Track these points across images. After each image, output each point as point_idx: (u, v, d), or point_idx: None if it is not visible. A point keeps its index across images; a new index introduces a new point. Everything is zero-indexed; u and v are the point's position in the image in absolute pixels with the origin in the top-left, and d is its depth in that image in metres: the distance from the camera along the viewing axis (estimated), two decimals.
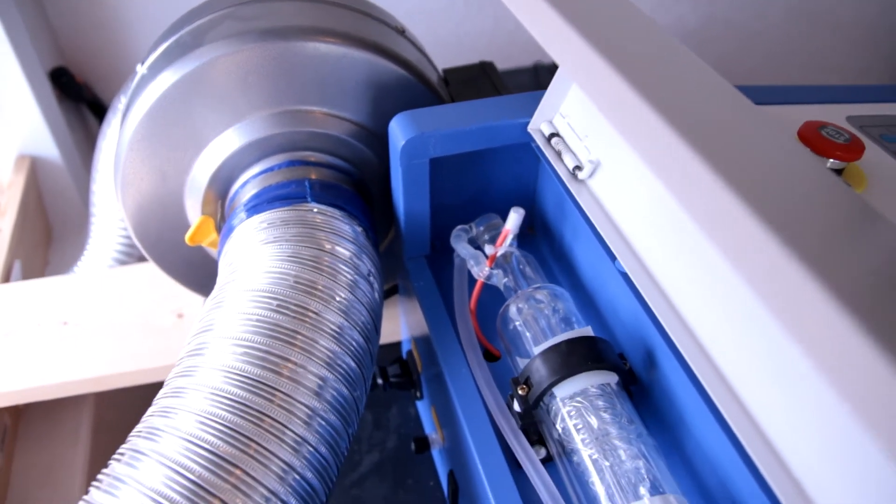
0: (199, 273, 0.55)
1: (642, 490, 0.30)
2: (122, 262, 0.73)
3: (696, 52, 0.31)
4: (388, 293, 0.56)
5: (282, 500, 0.33)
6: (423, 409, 0.50)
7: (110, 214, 0.71)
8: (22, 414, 0.72)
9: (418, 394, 0.49)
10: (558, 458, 0.35)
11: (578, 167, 0.37)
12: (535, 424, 0.36)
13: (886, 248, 0.24)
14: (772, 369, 0.27)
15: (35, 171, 0.88)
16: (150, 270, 0.65)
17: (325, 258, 0.40)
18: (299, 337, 0.36)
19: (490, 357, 0.42)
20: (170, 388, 0.35)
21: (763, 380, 0.28)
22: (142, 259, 0.72)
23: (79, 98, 0.93)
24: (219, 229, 0.48)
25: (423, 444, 0.46)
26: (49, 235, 0.93)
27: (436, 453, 0.47)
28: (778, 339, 0.27)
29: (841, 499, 0.24)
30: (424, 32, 0.59)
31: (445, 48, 0.99)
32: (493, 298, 0.43)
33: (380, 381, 0.48)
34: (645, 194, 0.35)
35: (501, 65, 0.61)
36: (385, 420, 0.54)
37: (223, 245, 0.44)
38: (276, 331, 0.36)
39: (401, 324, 0.55)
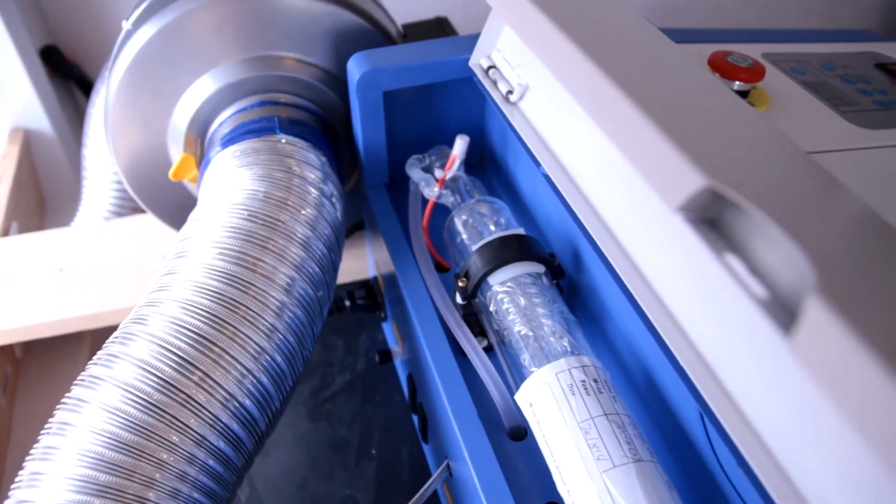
0: (185, 214, 0.60)
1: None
2: (115, 216, 0.78)
3: None
4: (353, 229, 0.61)
5: (255, 377, 0.38)
6: (388, 329, 0.55)
7: (101, 174, 0.76)
8: (21, 363, 0.77)
9: (382, 315, 0.54)
10: (497, 347, 0.41)
11: (510, 91, 0.43)
12: (475, 315, 0.42)
13: (753, 137, 0.29)
14: (679, 262, 0.31)
15: (28, 144, 0.93)
16: (140, 222, 0.70)
17: (294, 179, 0.45)
18: (271, 243, 0.41)
19: (441, 269, 0.47)
20: (157, 285, 0.40)
21: (671, 271, 0.32)
22: (133, 212, 0.78)
23: (68, 76, 0.97)
24: (199, 167, 0.53)
25: (386, 355, 0.52)
26: (43, 206, 0.98)
27: (398, 363, 0.53)
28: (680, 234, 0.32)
29: (737, 369, 0.28)
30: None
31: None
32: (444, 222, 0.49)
33: (347, 303, 0.54)
34: (566, 112, 0.40)
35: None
36: (355, 345, 0.59)
37: (202, 176, 0.49)
38: (250, 237, 0.41)
39: (368, 260, 0.60)
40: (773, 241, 0.23)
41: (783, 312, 0.22)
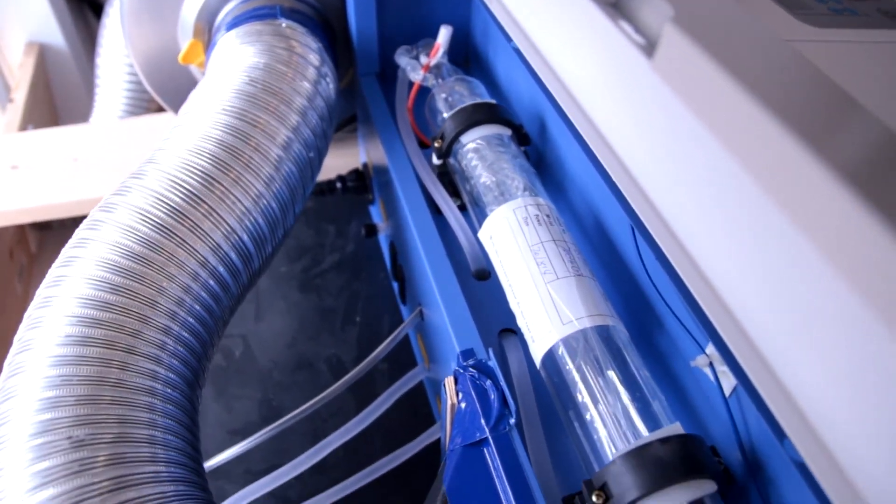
0: None
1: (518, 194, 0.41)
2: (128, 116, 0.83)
3: None
4: (346, 123, 0.66)
5: (254, 218, 0.43)
6: (374, 210, 0.60)
7: (115, 78, 0.80)
8: (36, 256, 0.82)
9: (370, 196, 0.59)
10: (469, 207, 0.46)
11: None
12: (449, 176, 0.47)
13: None
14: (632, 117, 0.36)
15: (43, 57, 0.97)
16: (152, 121, 0.75)
17: (294, 56, 0.49)
18: (271, 105, 0.46)
19: (423, 146, 0.52)
20: (166, 136, 0.45)
21: (626, 124, 0.37)
22: (146, 112, 0.83)
23: None
24: (206, 52, 0.58)
25: (372, 229, 0.57)
26: (56, 117, 1.02)
27: (382, 238, 0.58)
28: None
29: (655, 173, 0.33)
30: None
31: None
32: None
33: (339, 185, 0.58)
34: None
35: None
36: (346, 231, 0.64)
37: (208, 58, 0.54)
38: (252, 98, 0.45)
39: (360, 150, 0.65)
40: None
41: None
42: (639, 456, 0.28)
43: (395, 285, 0.54)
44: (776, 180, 0.20)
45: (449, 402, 0.36)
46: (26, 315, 0.37)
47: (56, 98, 1.02)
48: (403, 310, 0.54)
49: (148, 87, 0.63)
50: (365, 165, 0.60)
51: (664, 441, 0.29)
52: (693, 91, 0.22)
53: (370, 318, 0.58)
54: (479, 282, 0.43)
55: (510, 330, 0.42)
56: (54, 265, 0.39)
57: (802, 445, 0.22)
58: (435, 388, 0.48)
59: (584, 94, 0.36)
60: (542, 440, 0.36)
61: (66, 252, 0.39)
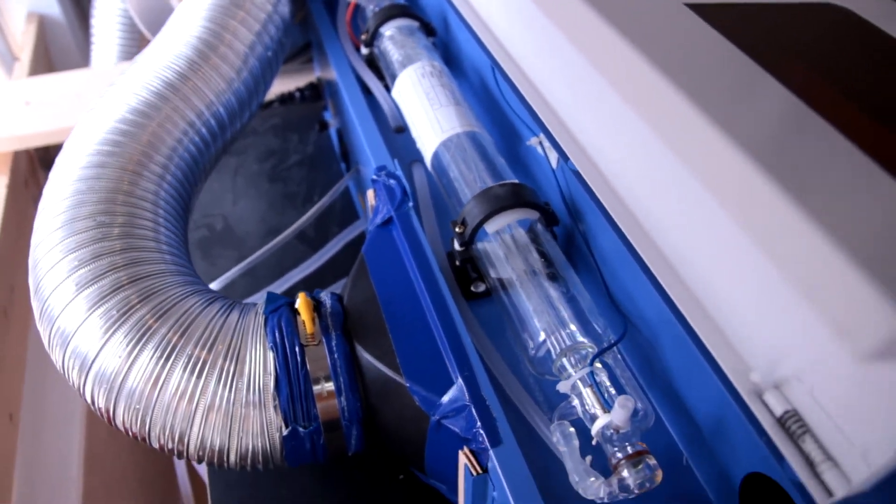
0: None
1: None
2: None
3: None
4: (301, 51, 0.80)
5: (227, 97, 0.57)
6: (327, 115, 0.74)
7: (108, 30, 0.94)
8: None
9: (323, 103, 0.73)
10: (391, 82, 0.59)
11: None
12: (374, 63, 0.60)
13: None
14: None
15: (43, 27, 1.11)
16: None
17: None
18: (239, 15, 0.59)
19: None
20: (154, 40, 0.59)
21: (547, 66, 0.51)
22: None
23: None
24: None
25: (324, 125, 0.70)
26: None
27: (332, 132, 0.72)
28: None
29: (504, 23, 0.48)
30: None
31: None
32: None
33: (297, 94, 0.72)
34: None
35: None
36: (306, 138, 0.78)
37: None
38: (224, 9, 0.59)
39: (314, 68, 0.79)
40: None
41: None
42: (484, 195, 0.42)
43: (343, 165, 0.68)
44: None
45: (369, 203, 0.50)
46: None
47: (54, 61, 1.15)
48: (351, 185, 0.68)
49: (140, 25, 0.77)
50: (318, 79, 0.74)
51: (502, 185, 0.43)
52: None
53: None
54: (398, 134, 0.57)
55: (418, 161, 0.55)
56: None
57: (605, 198, 0.36)
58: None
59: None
60: (434, 222, 0.49)
61: (81, 117, 0.53)
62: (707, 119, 0.29)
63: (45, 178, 0.50)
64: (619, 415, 0.31)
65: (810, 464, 0.25)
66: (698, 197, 0.30)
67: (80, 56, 1.13)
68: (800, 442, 0.26)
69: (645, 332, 0.39)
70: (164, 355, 0.40)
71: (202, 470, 0.73)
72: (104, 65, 0.97)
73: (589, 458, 0.33)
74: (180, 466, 0.84)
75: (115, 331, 0.40)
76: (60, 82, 0.87)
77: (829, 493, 0.24)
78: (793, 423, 0.26)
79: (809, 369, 0.25)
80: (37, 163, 0.94)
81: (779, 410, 0.27)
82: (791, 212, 0.24)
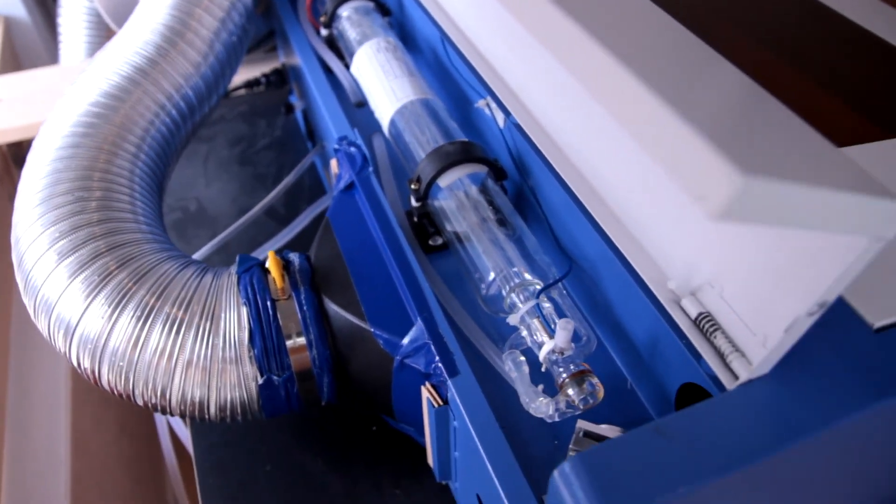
0: None
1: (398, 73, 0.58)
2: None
3: None
4: (264, 39, 0.83)
5: (195, 80, 0.59)
6: (293, 99, 0.77)
7: (74, 27, 0.96)
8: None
9: (289, 87, 0.76)
10: (350, 60, 0.62)
11: None
12: (334, 43, 0.63)
13: None
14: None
15: (9, 28, 1.12)
16: None
17: None
18: (204, 2, 0.62)
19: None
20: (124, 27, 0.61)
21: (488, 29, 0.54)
22: None
23: None
24: None
25: (290, 107, 0.73)
26: None
27: (298, 114, 0.74)
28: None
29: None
30: None
31: None
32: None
33: (263, 79, 0.75)
34: None
35: None
36: (274, 123, 0.81)
37: None
38: None
39: (279, 55, 0.82)
40: None
41: None
42: (436, 153, 0.46)
43: (310, 145, 0.71)
44: None
45: (333, 172, 0.53)
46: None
47: (22, 61, 1.17)
48: (317, 162, 0.71)
49: (106, 18, 0.79)
50: (283, 64, 0.76)
51: (453, 143, 0.46)
52: None
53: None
54: (359, 109, 0.60)
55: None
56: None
57: (547, 151, 0.39)
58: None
59: None
60: (393, 185, 0.52)
61: (58, 102, 0.55)
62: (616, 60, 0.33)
63: (19, 175, 0.52)
64: (561, 336, 0.35)
65: (721, 356, 0.29)
66: (616, 130, 0.34)
67: (48, 55, 1.14)
68: (712, 339, 0.29)
69: (589, 271, 0.42)
70: (143, 316, 0.42)
71: (187, 442, 0.76)
72: (73, 61, 0.99)
73: (541, 387, 0.36)
74: (165, 441, 0.87)
75: (95, 295, 0.43)
76: (31, 79, 0.89)
77: (736, 377, 0.28)
78: (706, 323, 0.30)
79: (718, 273, 0.29)
80: (9, 160, 0.96)
81: (693, 312, 0.30)
82: (657, 107, 0.27)
